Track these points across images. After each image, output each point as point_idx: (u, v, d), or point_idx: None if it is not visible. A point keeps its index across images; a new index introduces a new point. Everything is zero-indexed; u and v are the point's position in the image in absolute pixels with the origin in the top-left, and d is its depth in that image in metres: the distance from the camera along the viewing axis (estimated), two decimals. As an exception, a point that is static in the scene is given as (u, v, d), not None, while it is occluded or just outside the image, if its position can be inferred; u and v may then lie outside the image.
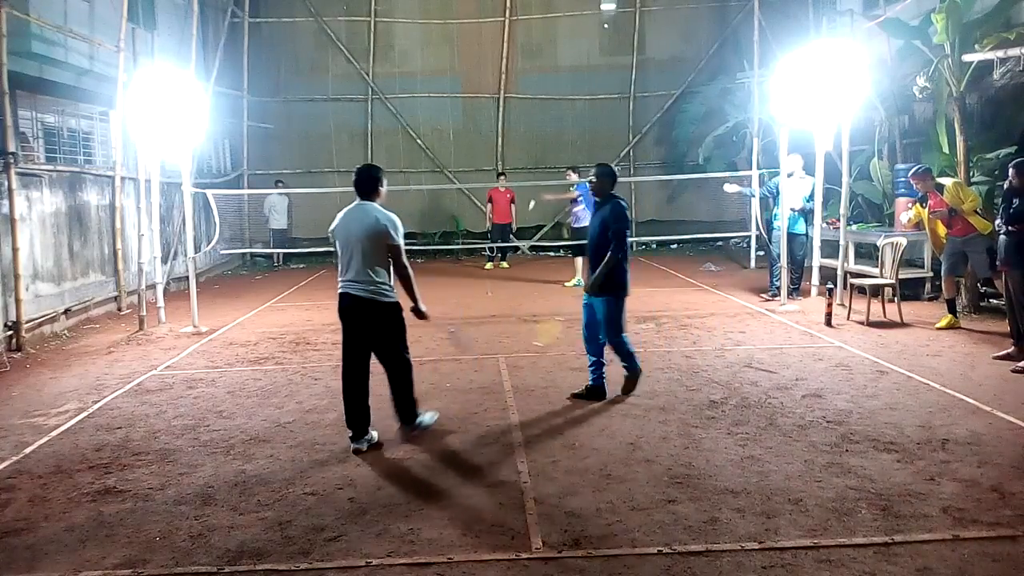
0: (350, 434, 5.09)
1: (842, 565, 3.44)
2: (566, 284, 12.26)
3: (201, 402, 6.23)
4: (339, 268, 5.20)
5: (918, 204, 8.47)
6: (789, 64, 9.29)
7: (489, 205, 14.67)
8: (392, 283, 5.13)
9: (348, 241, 5.08)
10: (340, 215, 5.22)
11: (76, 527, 4.05)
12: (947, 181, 8.30)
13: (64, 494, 4.48)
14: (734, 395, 6.02)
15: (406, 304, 5.17)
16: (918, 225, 8.78)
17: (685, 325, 8.78)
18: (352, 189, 5.23)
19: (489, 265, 14.82)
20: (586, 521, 3.93)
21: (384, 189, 5.25)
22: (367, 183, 5.19)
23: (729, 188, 11.57)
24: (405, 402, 5.21)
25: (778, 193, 10.21)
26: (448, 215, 17.41)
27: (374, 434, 5.16)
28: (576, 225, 11.99)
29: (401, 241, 5.07)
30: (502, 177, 15.33)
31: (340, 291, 5.17)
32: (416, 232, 17.38)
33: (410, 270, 5.11)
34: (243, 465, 4.84)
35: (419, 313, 5.20)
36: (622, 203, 5.99)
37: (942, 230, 8.31)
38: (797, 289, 10.28)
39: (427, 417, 5.35)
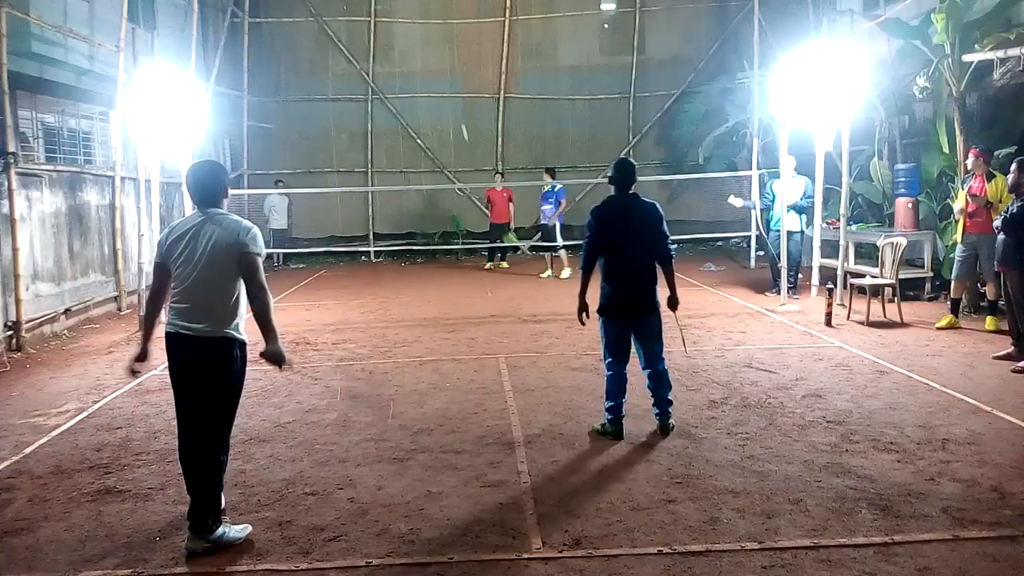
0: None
1: (842, 565, 3.44)
2: (560, 277, 13.06)
3: (201, 402, 6.22)
4: (171, 298, 3.84)
5: (961, 188, 8.36)
6: (789, 64, 9.30)
7: (490, 204, 14.74)
8: (243, 318, 3.87)
9: (191, 262, 3.76)
10: (173, 230, 3.89)
11: (76, 527, 4.05)
12: (1001, 175, 8.17)
13: (64, 494, 4.48)
14: (734, 395, 6.02)
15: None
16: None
17: (685, 325, 8.75)
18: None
19: (489, 265, 14.84)
20: (586, 521, 3.93)
21: (230, 192, 4.07)
22: (210, 185, 3.93)
23: (734, 201, 11.80)
24: (206, 499, 3.76)
25: (774, 197, 10.33)
26: (448, 215, 17.41)
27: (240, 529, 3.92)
28: (544, 222, 13.37)
29: (261, 252, 3.83)
30: (499, 176, 15.34)
31: (169, 330, 3.80)
32: (416, 232, 17.42)
33: (268, 294, 3.79)
34: (243, 465, 4.84)
35: (272, 356, 3.78)
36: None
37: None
38: (794, 287, 10.31)
39: (234, 530, 3.83)
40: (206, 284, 3.75)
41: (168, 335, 3.82)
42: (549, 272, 13.35)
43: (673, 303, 5.29)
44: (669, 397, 5.26)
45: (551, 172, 13.47)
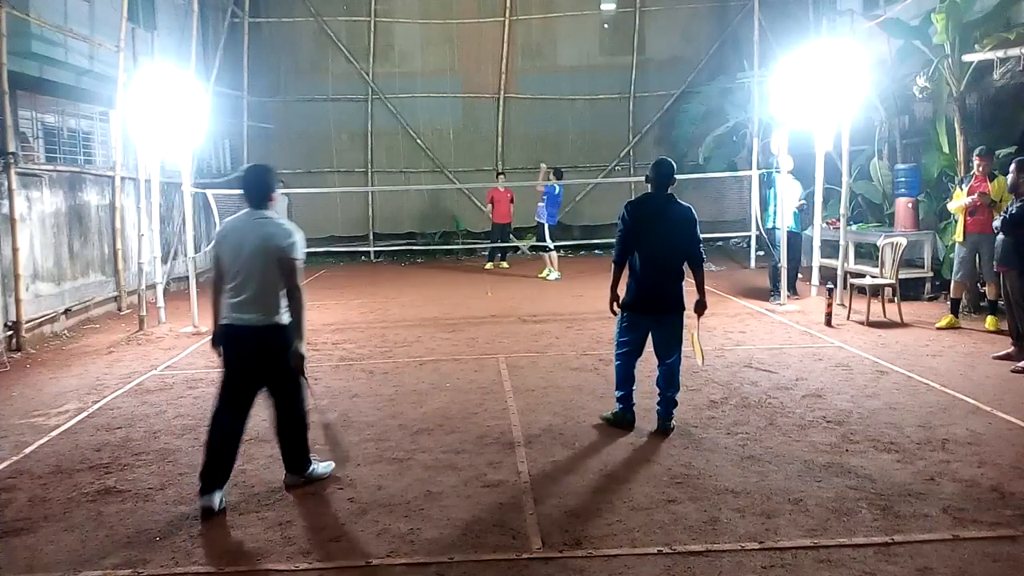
0: (199, 486, 4.18)
1: (842, 565, 3.44)
2: (542, 276, 13.12)
3: (201, 402, 6.22)
4: (224, 292, 4.29)
5: (959, 188, 8.35)
6: (789, 64, 9.30)
7: (490, 205, 14.69)
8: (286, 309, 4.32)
9: (238, 259, 4.21)
10: (225, 226, 4.40)
11: (76, 527, 4.05)
12: (1002, 175, 8.14)
13: (64, 494, 4.48)
14: (734, 395, 6.02)
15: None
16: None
17: (685, 325, 8.75)
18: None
19: (489, 265, 14.83)
20: (586, 521, 3.93)
21: (277, 194, 4.43)
22: (258, 188, 4.33)
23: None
24: (296, 446, 4.46)
25: (774, 193, 10.30)
26: (448, 215, 17.41)
27: (221, 494, 4.23)
28: (539, 220, 13.20)
29: (300, 258, 4.25)
30: (501, 177, 15.32)
31: (225, 321, 4.27)
32: (416, 232, 17.42)
33: (302, 295, 4.25)
34: (243, 465, 4.83)
35: (299, 353, 4.25)
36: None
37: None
38: (793, 287, 10.34)
39: (322, 467, 4.57)
40: (253, 280, 4.18)
41: (224, 326, 4.28)
42: (556, 273, 13.07)
43: (701, 307, 5.30)
44: (676, 398, 5.29)
45: (558, 173, 13.16)
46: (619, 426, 5.31)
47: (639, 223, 5.15)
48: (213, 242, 4.40)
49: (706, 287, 5.44)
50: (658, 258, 5.16)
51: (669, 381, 5.24)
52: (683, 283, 5.24)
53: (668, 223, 5.15)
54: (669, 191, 5.21)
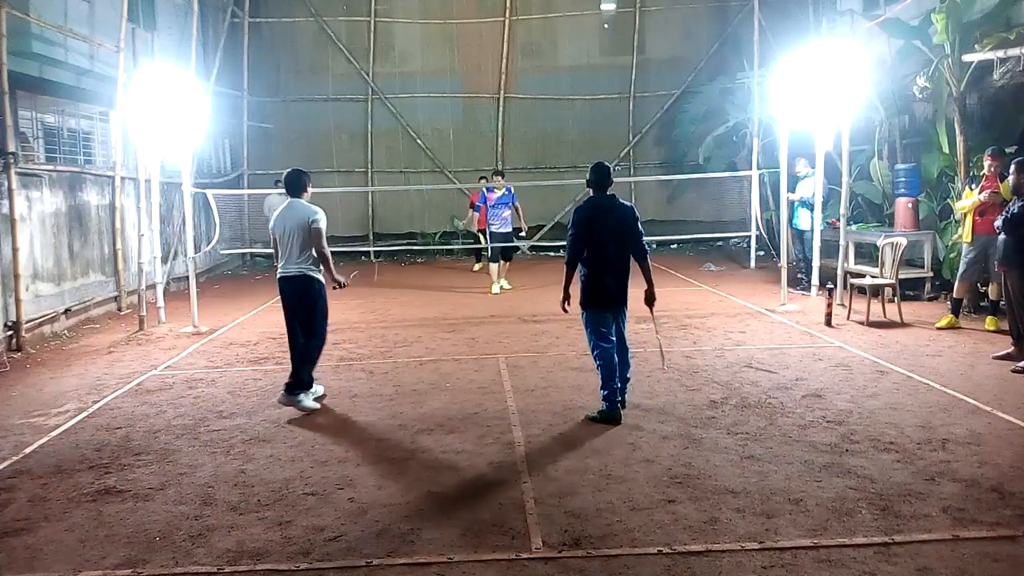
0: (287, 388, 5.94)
1: (842, 565, 3.44)
2: (494, 290, 11.85)
3: (201, 402, 6.23)
4: (278, 256, 6.10)
5: (968, 187, 8.33)
6: (789, 64, 9.30)
7: (470, 210, 14.54)
8: (317, 264, 6.04)
9: (286, 233, 5.98)
10: (276, 213, 6.15)
11: (76, 527, 4.05)
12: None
13: (64, 494, 4.48)
14: (734, 395, 6.02)
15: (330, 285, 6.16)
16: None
17: (685, 325, 8.78)
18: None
19: (477, 267, 14.73)
20: (586, 521, 3.93)
21: (311, 189, 6.30)
22: (295, 184, 6.19)
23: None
24: (305, 371, 6.01)
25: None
26: (448, 215, 17.40)
27: (320, 388, 6.25)
28: (497, 230, 11.71)
29: (324, 227, 6.00)
30: (483, 181, 15.12)
31: (280, 275, 6.07)
32: (416, 232, 17.41)
33: (327, 251, 5.99)
34: (243, 465, 4.84)
35: (339, 284, 6.11)
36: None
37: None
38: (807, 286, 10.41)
39: (310, 400, 5.97)
40: (295, 245, 5.95)
41: (279, 278, 6.10)
42: (504, 283, 12.05)
43: (650, 298, 5.67)
44: (628, 375, 5.70)
45: (501, 174, 12.17)
46: (608, 423, 5.39)
47: (591, 224, 5.47)
48: (271, 224, 6.16)
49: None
50: (609, 256, 5.48)
51: (626, 365, 5.63)
52: (629, 275, 5.61)
53: (615, 222, 5.50)
54: (609, 192, 5.60)
